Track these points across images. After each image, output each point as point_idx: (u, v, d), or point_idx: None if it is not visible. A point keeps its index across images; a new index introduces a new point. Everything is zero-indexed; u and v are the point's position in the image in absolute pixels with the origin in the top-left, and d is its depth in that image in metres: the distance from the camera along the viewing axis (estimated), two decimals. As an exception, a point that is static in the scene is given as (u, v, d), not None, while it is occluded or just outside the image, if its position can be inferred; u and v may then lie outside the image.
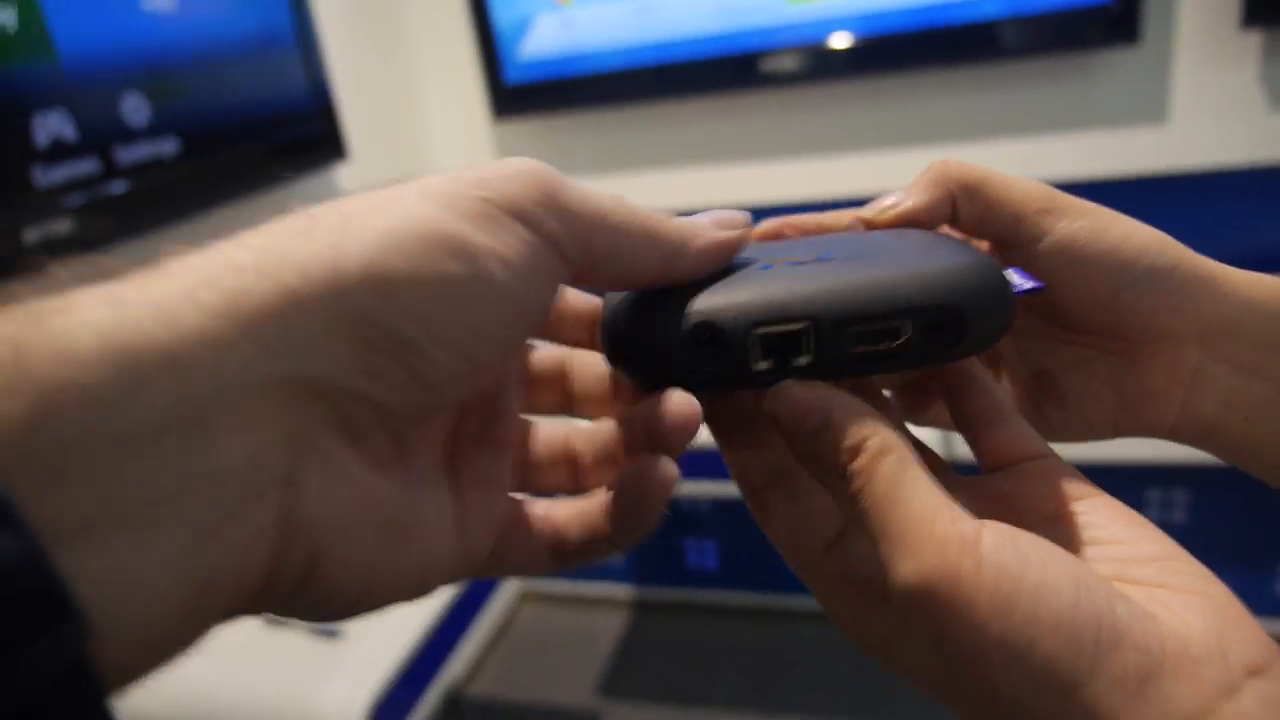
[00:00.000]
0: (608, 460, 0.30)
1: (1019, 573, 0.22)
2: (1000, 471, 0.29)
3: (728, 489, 1.58)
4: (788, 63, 1.44)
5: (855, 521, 0.25)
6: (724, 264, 0.29)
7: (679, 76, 1.50)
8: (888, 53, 1.41)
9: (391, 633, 1.08)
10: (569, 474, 0.31)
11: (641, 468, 0.26)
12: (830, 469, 0.26)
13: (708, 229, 0.29)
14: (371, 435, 0.21)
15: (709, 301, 0.28)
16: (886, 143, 1.52)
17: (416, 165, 1.71)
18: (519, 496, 0.29)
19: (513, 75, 1.59)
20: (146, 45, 1.07)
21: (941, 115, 1.48)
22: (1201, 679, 0.21)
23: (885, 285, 0.27)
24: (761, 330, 0.27)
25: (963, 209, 0.32)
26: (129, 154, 1.03)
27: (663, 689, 1.85)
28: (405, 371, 0.21)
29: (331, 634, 1.08)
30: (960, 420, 0.31)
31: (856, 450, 0.25)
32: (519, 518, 0.28)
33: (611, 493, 0.28)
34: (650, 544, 1.98)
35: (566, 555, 0.28)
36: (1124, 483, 1.62)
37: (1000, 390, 0.31)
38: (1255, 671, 0.22)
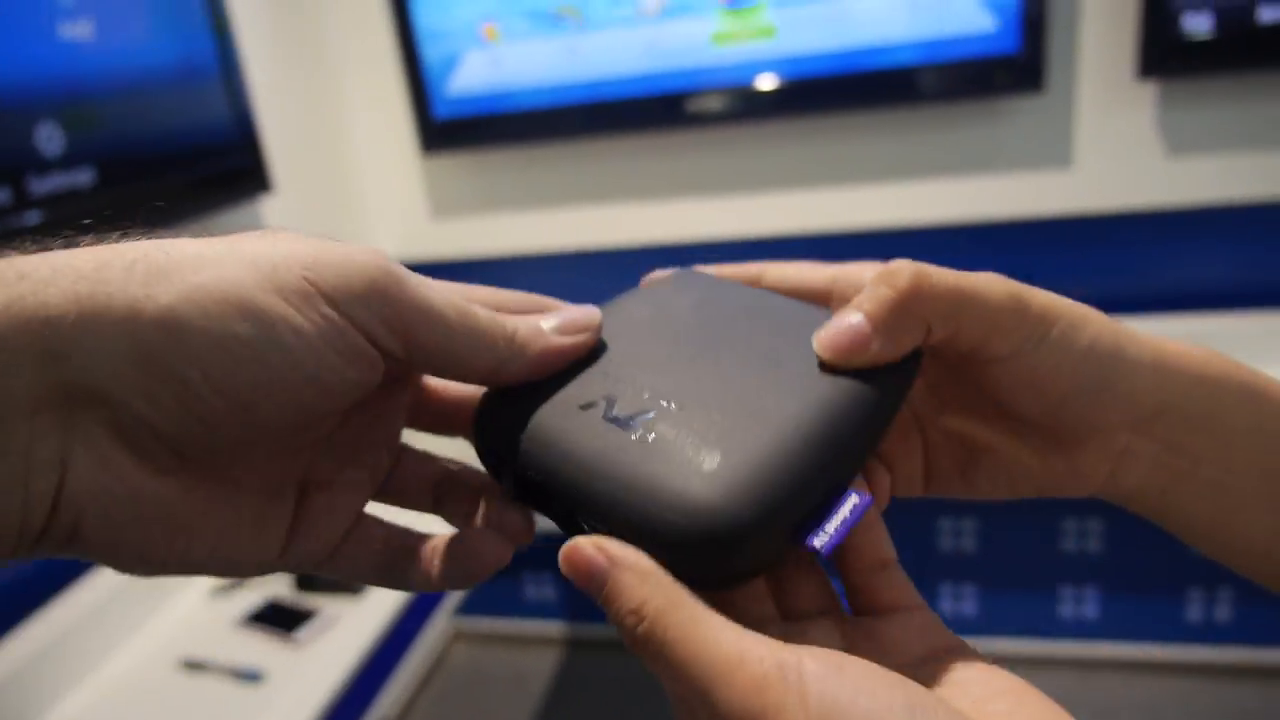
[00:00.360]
0: (473, 502, 0.33)
1: (847, 700, 0.22)
2: (871, 616, 0.29)
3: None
4: (713, 103, 1.48)
5: (666, 682, 0.25)
6: (562, 366, 0.30)
7: (607, 115, 1.53)
8: (810, 95, 1.45)
9: (315, 675, 1.06)
10: (438, 504, 0.34)
11: (477, 539, 0.31)
12: (623, 635, 0.25)
13: (544, 335, 0.30)
14: (148, 446, 0.24)
15: (530, 444, 0.29)
16: (809, 182, 1.56)
17: (344, 198, 1.69)
18: (376, 515, 0.32)
19: (441, 110, 1.59)
20: (62, 73, 1.04)
21: (861, 156, 1.53)
22: None
23: (638, 508, 0.26)
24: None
25: (936, 333, 0.29)
26: (42, 184, 1.00)
27: (595, 726, 1.83)
28: (180, 406, 0.23)
29: (253, 678, 1.05)
30: (843, 558, 0.30)
31: (639, 614, 0.24)
32: (365, 534, 0.31)
33: (449, 540, 0.31)
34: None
35: (394, 578, 0.31)
36: (1040, 514, 1.68)
37: (888, 541, 0.30)
38: None
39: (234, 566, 0.28)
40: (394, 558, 0.31)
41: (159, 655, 1.12)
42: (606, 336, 0.32)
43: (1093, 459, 0.32)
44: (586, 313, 0.32)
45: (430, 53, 1.56)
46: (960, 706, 0.23)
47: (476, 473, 0.34)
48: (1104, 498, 0.34)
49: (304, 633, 1.11)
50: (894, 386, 0.30)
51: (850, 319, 0.29)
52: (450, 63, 1.56)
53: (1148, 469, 0.32)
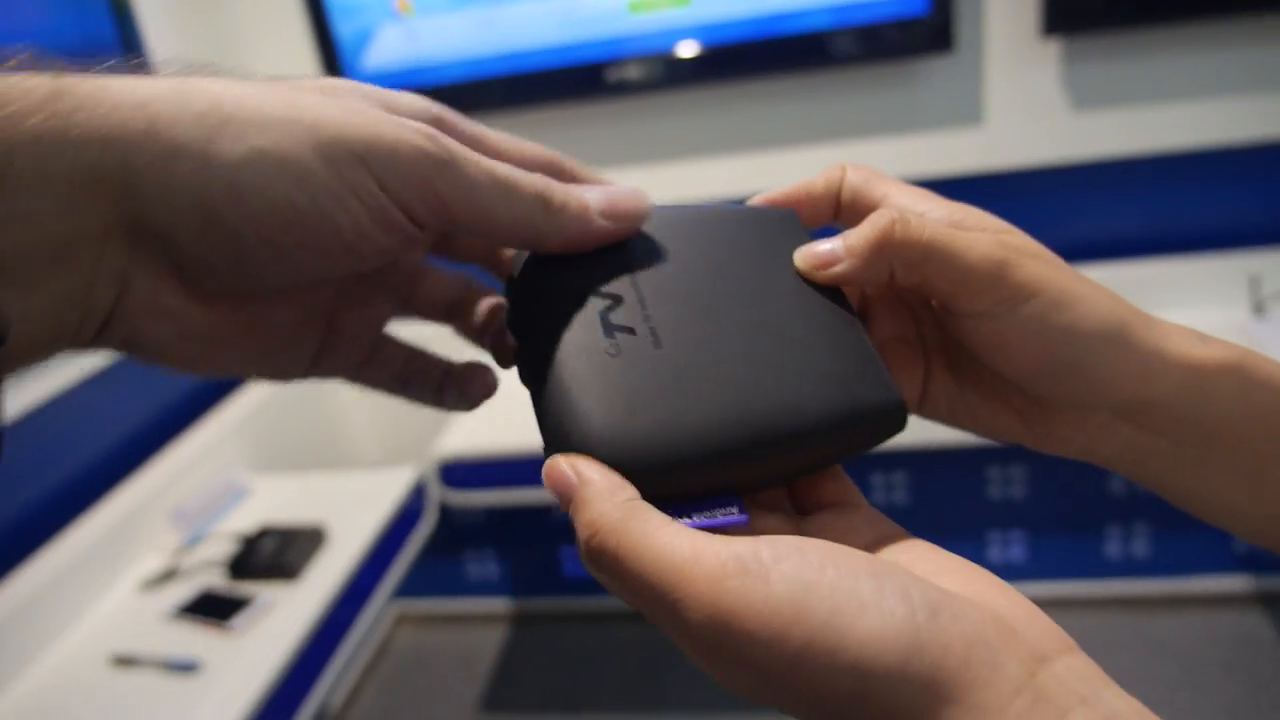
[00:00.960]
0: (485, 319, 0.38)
1: (813, 573, 0.22)
2: (818, 513, 0.30)
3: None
4: (632, 72, 1.48)
5: (627, 597, 0.25)
6: (602, 245, 0.31)
7: (526, 86, 1.52)
8: (727, 61, 1.46)
9: (253, 663, 1.04)
10: (449, 317, 0.38)
11: (474, 371, 0.37)
12: (579, 552, 0.26)
13: (588, 218, 0.30)
14: (197, 278, 0.27)
15: (529, 329, 0.31)
16: (730, 148, 1.58)
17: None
18: (399, 339, 0.37)
19: (357, 87, 1.56)
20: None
21: (781, 121, 1.55)
22: (1020, 649, 0.22)
23: (550, 409, 0.28)
24: None
25: (900, 277, 0.31)
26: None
27: (546, 699, 1.85)
28: (231, 254, 0.26)
29: (188, 669, 1.04)
30: None
31: (591, 527, 0.25)
32: (387, 353, 0.36)
33: (457, 368, 0.37)
34: (526, 555, 1.98)
35: (409, 392, 0.37)
36: (967, 464, 1.73)
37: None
38: (1062, 650, 0.23)
39: (270, 376, 0.33)
40: (410, 376, 0.36)
41: (88, 652, 1.10)
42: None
43: (1069, 429, 0.34)
44: (634, 199, 0.32)
45: (343, 27, 1.52)
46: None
47: (489, 290, 0.39)
48: (1078, 458, 0.35)
49: (240, 620, 1.09)
50: (846, 434, 0.30)
51: (830, 243, 0.32)
52: (364, 38, 1.53)
53: (1124, 445, 0.33)
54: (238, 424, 1.48)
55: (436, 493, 1.48)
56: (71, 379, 1.24)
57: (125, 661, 1.07)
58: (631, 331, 0.29)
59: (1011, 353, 0.31)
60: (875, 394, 0.29)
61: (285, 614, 1.12)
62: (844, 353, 0.30)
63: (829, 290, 0.32)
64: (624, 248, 0.31)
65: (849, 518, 0.29)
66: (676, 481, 0.27)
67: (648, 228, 0.32)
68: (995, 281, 0.30)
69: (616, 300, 0.30)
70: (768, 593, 0.22)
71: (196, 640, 1.09)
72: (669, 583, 0.23)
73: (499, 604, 2.05)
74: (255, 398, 1.54)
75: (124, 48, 1.23)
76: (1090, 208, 1.55)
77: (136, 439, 1.35)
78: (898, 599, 0.22)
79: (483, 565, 2.02)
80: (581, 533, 0.25)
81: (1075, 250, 1.55)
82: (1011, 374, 0.32)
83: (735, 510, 0.27)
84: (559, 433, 0.28)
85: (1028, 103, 1.48)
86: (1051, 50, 1.44)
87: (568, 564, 2.00)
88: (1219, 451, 0.33)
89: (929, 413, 0.37)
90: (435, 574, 2.03)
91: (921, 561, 0.26)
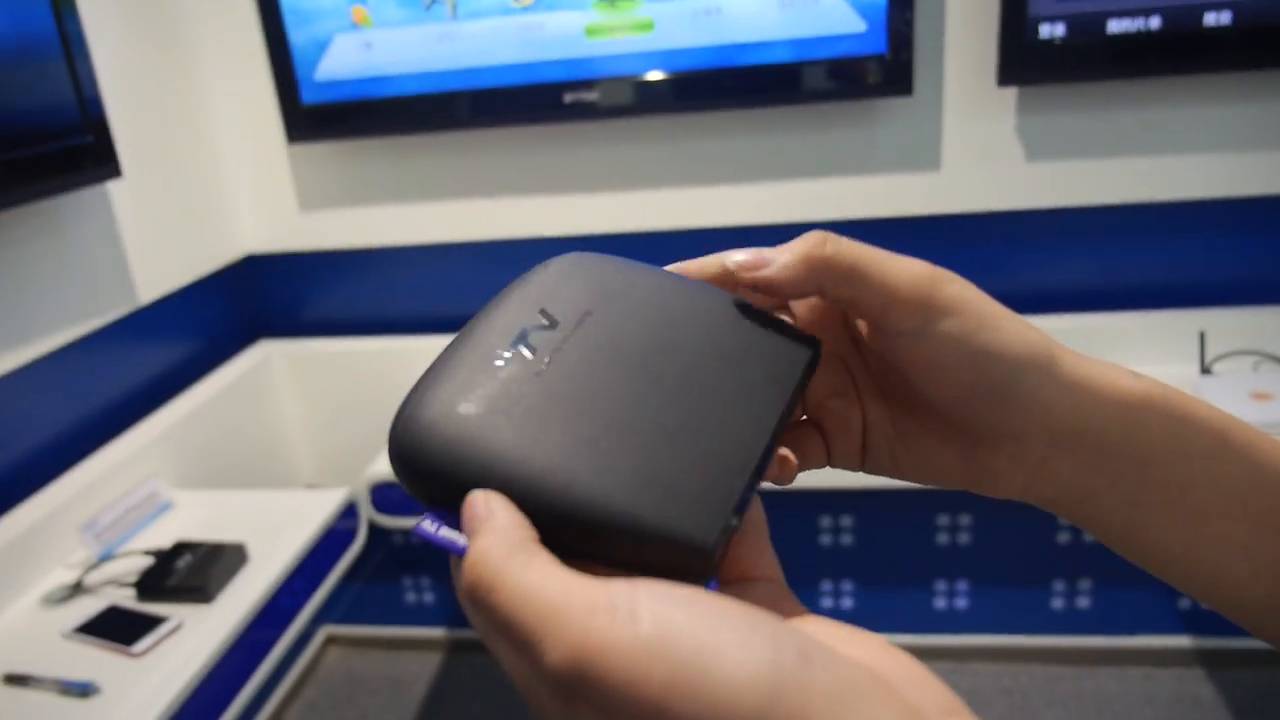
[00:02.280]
0: None
1: (683, 615, 0.21)
2: (730, 584, 0.28)
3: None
4: (590, 95, 1.46)
5: (492, 638, 0.24)
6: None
7: (483, 103, 1.49)
8: (687, 90, 1.45)
9: (155, 686, 0.99)
10: None
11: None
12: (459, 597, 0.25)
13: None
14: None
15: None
16: (687, 178, 1.56)
17: (203, 185, 1.61)
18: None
19: (309, 96, 1.53)
20: None
21: (739, 153, 1.54)
22: (895, 704, 0.21)
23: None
24: None
25: (830, 291, 0.31)
26: None
27: (473, 731, 1.79)
28: None
29: (84, 691, 0.98)
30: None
31: (478, 555, 0.24)
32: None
33: None
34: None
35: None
36: (914, 510, 1.72)
37: (759, 509, 0.30)
38: (947, 711, 0.22)
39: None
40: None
41: (-17, 667, 1.04)
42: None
43: (1008, 465, 0.34)
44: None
45: (298, 34, 1.49)
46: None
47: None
48: (1022, 501, 0.35)
49: (144, 642, 1.04)
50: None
51: (762, 250, 0.32)
52: (319, 46, 1.50)
53: (1064, 483, 0.33)
54: (164, 436, 1.42)
55: (368, 516, 1.43)
56: (-15, 380, 1.18)
57: (18, 680, 1.01)
58: (532, 351, 0.29)
59: (943, 375, 0.32)
60: (684, 520, 0.25)
61: (195, 637, 1.07)
62: (703, 465, 0.27)
63: (773, 381, 0.31)
64: (610, 285, 0.32)
65: (764, 592, 0.28)
66: (438, 490, 0.27)
67: (640, 277, 0.33)
68: (924, 296, 0.31)
69: (552, 323, 0.30)
70: (634, 632, 0.21)
71: (97, 661, 1.04)
72: (535, 618, 0.22)
73: (434, 632, 2.00)
74: (184, 409, 1.48)
75: (64, 42, 1.19)
76: (1042, 256, 1.55)
77: (53, 447, 1.29)
78: (766, 642, 0.21)
79: (420, 594, 1.97)
80: (466, 562, 0.24)
81: (1026, 300, 1.55)
82: (945, 398, 0.32)
83: (457, 538, 0.26)
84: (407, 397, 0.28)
85: (983, 149, 1.48)
86: (1008, 99, 1.45)
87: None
88: (1154, 491, 0.32)
89: (872, 467, 0.37)
90: (370, 599, 1.97)
91: (816, 631, 0.25)
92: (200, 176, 1.60)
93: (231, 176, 1.67)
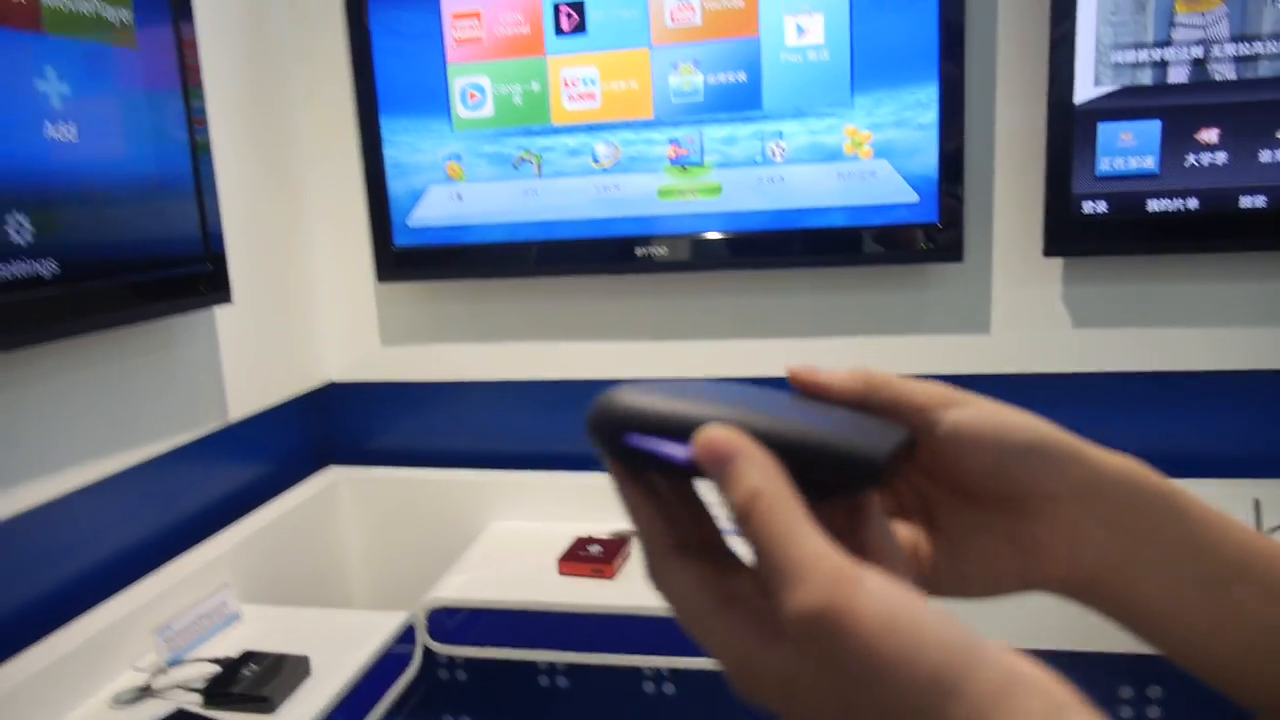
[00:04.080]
0: None
1: (903, 601, 0.28)
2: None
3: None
4: (660, 250, 1.58)
5: (760, 558, 0.31)
6: None
7: (560, 253, 1.61)
8: (750, 249, 1.56)
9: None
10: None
11: None
12: (733, 508, 0.31)
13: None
14: None
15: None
16: (748, 330, 1.65)
17: (298, 315, 1.73)
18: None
19: (401, 239, 1.66)
20: (41, 168, 1.09)
21: (797, 309, 1.63)
22: (1046, 696, 0.27)
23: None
24: None
25: (873, 397, 0.40)
26: (6, 270, 1.03)
27: None
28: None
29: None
30: (855, 548, 0.35)
31: (756, 495, 0.31)
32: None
33: None
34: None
35: None
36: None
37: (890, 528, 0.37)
38: (1079, 704, 0.27)
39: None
40: None
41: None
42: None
43: (1049, 532, 0.40)
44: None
45: (396, 185, 1.64)
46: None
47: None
48: (1076, 596, 0.41)
49: (210, 746, 1.06)
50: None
51: (818, 367, 0.42)
52: (414, 196, 1.65)
53: (1099, 546, 0.39)
54: (236, 550, 1.48)
55: (423, 641, 1.46)
56: (74, 486, 1.26)
57: None
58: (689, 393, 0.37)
59: (973, 449, 0.39)
60: (861, 448, 0.34)
61: (255, 745, 1.09)
62: (859, 429, 0.37)
63: (886, 429, 0.39)
64: (712, 387, 0.39)
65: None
66: (660, 423, 0.34)
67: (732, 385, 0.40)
68: (946, 396, 0.40)
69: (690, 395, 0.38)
70: (870, 605, 0.28)
71: (161, 763, 1.06)
72: (799, 560, 0.29)
73: (469, 773, 1.95)
74: (256, 526, 1.55)
75: (196, 182, 1.33)
76: (1091, 420, 1.57)
77: (136, 550, 1.35)
78: (960, 640, 0.28)
79: (457, 729, 1.95)
80: (743, 497, 0.31)
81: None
82: (980, 469, 0.40)
83: (679, 450, 0.34)
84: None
85: (1031, 314, 1.56)
86: (1054, 268, 1.53)
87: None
88: (1172, 551, 0.39)
89: (940, 586, 0.43)
90: (408, 733, 1.95)
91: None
92: (295, 307, 1.72)
93: (322, 309, 1.79)
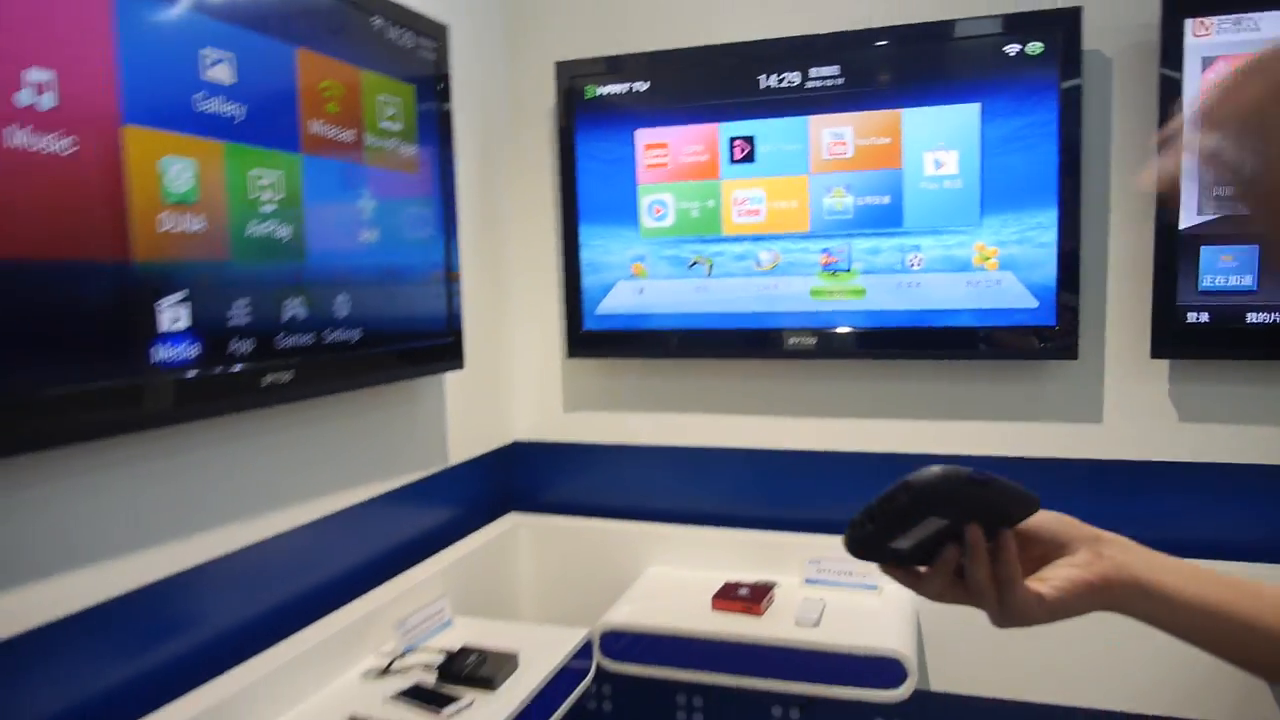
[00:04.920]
0: None
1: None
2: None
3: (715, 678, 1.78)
4: (809, 341, 1.86)
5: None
6: None
7: (724, 340, 1.92)
8: (886, 342, 1.83)
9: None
10: None
11: None
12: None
13: None
14: None
15: None
16: (880, 412, 1.90)
17: (497, 382, 2.09)
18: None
19: (589, 324, 2.01)
20: (355, 262, 1.47)
21: (927, 396, 1.88)
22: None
23: None
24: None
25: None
26: (332, 335, 1.40)
27: None
28: None
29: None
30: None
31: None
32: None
33: None
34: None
35: None
36: None
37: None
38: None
39: None
40: None
41: (329, 711, 1.37)
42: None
43: (1120, 552, 0.68)
44: None
45: (589, 280, 1.99)
46: None
47: None
48: (1120, 596, 0.68)
49: (449, 710, 1.35)
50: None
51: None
52: (604, 289, 1.99)
53: (1137, 557, 0.68)
54: (443, 571, 1.80)
55: (596, 660, 1.72)
56: (345, 505, 1.60)
57: (359, 723, 1.34)
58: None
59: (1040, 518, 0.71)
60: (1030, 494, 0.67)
61: (483, 713, 1.37)
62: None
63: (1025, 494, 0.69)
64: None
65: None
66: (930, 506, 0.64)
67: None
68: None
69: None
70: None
71: (414, 718, 1.35)
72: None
73: (612, 800, 2.18)
74: (456, 554, 1.87)
75: (447, 275, 1.71)
76: (1196, 506, 1.76)
77: (379, 559, 1.69)
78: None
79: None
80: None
81: (1180, 546, 1.75)
82: (1052, 532, 0.71)
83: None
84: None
85: (1140, 408, 1.76)
86: (1161, 368, 1.74)
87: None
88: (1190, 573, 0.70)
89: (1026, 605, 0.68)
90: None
91: None
92: (497, 376, 2.08)
93: (519, 378, 2.14)
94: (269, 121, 1.29)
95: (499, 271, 2.08)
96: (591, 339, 2.02)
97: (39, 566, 1.05)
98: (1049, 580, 0.66)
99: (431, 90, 1.68)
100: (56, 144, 0.98)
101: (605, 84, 1.98)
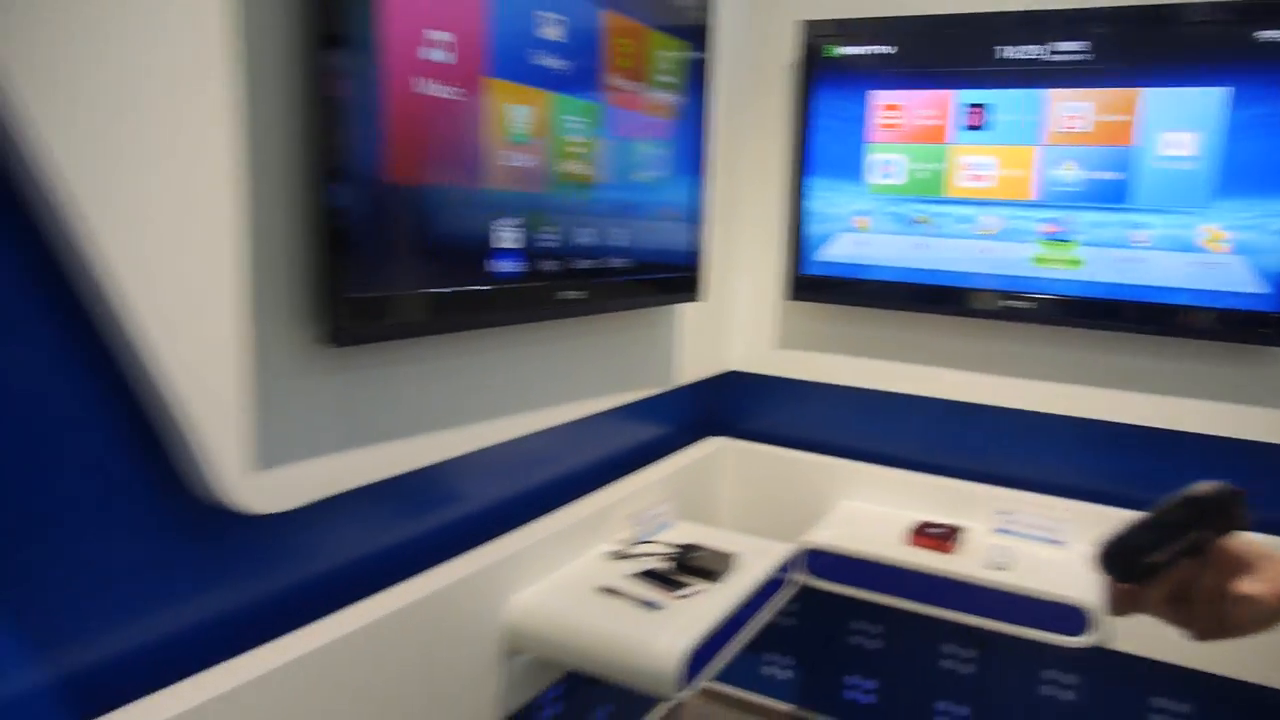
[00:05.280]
0: None
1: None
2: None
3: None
4: (1022, 304, 1.96)
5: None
6: None
7: (938, 296, 2.04)
8: (1097, 312, 1.90)
9: (691, 617, 1.52)
10: None
11: None
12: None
13: None
14: None
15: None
16: (1085, 380, 1.99)
17: (721, 316, 2.29)
18: None
19: (807, 269, 2.16)
20: (629, 197, 1.68)
21: (1135, 370, 1.95)
22: None
23: None
24: None
25: None
26: (609, 263, 1.62)
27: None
28: None
29: (654, 606, 1.53)
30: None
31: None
32: None
33: None
34: (817, 672, 2.34)
35: None
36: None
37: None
38: None
39: None
40: None
41: (581, 580, 1.63)
42: None
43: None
44: None
45: (811, 229, 2.15)
46: None
47: None
48: None
49: (683, 592, 1.58)
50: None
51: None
52: (824, 238, 2.14)
53: None
54: (661, 479, 2.03)
55: (798, 572, 1.93)
56: (594, 410, 1.84)
57: (609, 591, 1.59)
58: None
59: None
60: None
61: (711, 600, 1.60)
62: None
63: None
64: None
65: None
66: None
67: None
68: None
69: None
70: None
71: (653, 595, 1.59)
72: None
73: (782, 705, 2.41)
74: (673, 465, 2.10)
75: (695, 216, 1.90)
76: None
77: (611, 460, 1.93)
78: None
79: (778, 669, 2.41)
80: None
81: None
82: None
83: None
84: None
85: (1358, 401, 1.78)
86: (1387, 364, 1.76)
87: (849, 690, 2.34)
88: None
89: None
90: (735, 666, 2.44)
91: None
92: (722, 310, 2.28)
93: (740, 315, 2.34)
94: (582, 74, 1.50)
95: (728, 213, 2.26)
96: (810, 283, 2.18)
97: (386, 431, 1.32)
98: (1252, 590, 0.66)
99: (696, 45, 1.86)
100: (448, 91, 1.22)
101: (845, 45, 2.10)
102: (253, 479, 1.06)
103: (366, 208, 1.11)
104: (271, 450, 1.08)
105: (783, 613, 2.37)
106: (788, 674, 2.41)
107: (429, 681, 1.37)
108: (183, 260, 0.94)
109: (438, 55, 1.19)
